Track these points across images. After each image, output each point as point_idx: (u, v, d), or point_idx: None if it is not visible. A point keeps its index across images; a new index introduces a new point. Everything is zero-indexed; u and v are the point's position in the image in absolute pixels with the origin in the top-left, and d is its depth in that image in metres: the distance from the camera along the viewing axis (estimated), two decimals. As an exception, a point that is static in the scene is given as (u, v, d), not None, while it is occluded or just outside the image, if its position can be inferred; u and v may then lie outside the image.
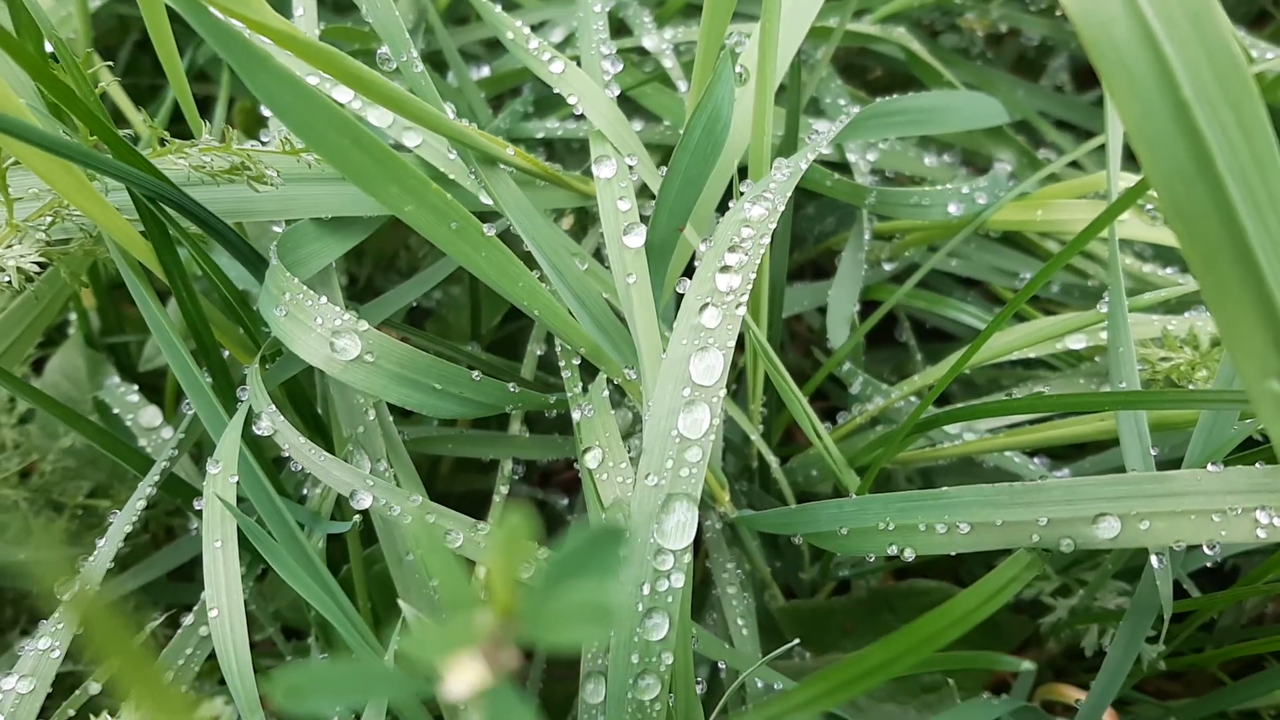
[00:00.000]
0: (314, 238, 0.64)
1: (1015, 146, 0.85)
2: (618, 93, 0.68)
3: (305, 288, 0.56)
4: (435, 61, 0.88)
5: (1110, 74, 0.33)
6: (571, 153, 0.91)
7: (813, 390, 0.78)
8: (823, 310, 0.82)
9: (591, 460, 0.60)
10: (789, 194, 0.58)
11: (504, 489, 0.73)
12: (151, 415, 0.78)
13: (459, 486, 0.93)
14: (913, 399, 0.76)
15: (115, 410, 0.78)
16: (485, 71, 0.89)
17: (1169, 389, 0.57)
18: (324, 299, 0.56)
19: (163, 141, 0.57)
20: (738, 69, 0.60)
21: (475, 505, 0.76)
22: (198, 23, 0.42)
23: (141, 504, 0.61)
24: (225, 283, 0.59)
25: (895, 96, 0.73)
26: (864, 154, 0.82)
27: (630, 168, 0.65)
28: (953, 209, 0.72)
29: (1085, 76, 0.92)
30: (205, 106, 1.01)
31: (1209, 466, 0.48)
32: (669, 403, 0.51)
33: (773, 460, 0.75)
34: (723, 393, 0.51)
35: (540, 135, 0.83)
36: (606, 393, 0.63)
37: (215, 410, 0.59)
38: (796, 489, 0.79)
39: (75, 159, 0.47)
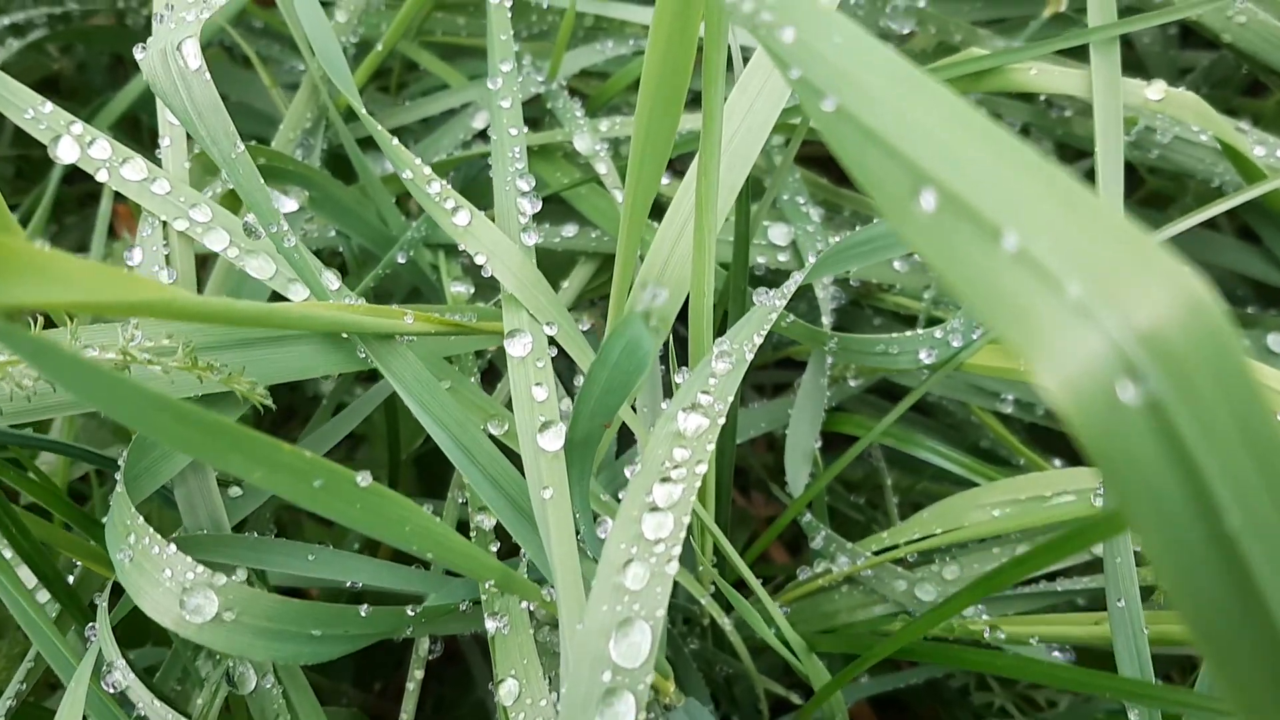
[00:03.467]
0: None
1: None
2: (534, 241, 0.59)
3: (151, 530, 0.47)
4: (342, 154, 0.78)
5: (1129, 499, 0.24)
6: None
7: (764, 548, 0.69)
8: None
9: (506, 695, 0.51)
10: (733, 395, 0.49)
11: (419, 673, 0.64)
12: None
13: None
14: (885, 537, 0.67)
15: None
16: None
17: (1171, 688, 0.49)
18: (173, 547, 0.47)
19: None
20: (642, 314, 0.50)
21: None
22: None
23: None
24: (60, 505, 0.50)
25: (859, 229, 0.63)
26: (826, 261, 0.73)
27: (551, 339, 0.56)
28: (924, 356, 0.63)
29: (1069, 154, 0.83)
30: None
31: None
32: (584, 689, 0.43)
33: (726, 623, 0.66)
34: (650, 677, 0.43)
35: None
36: (526, 604, 0.55)
37: (61, 655, 0.50)
38: (751, 644, 0.71)
39: None
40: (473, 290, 0.73)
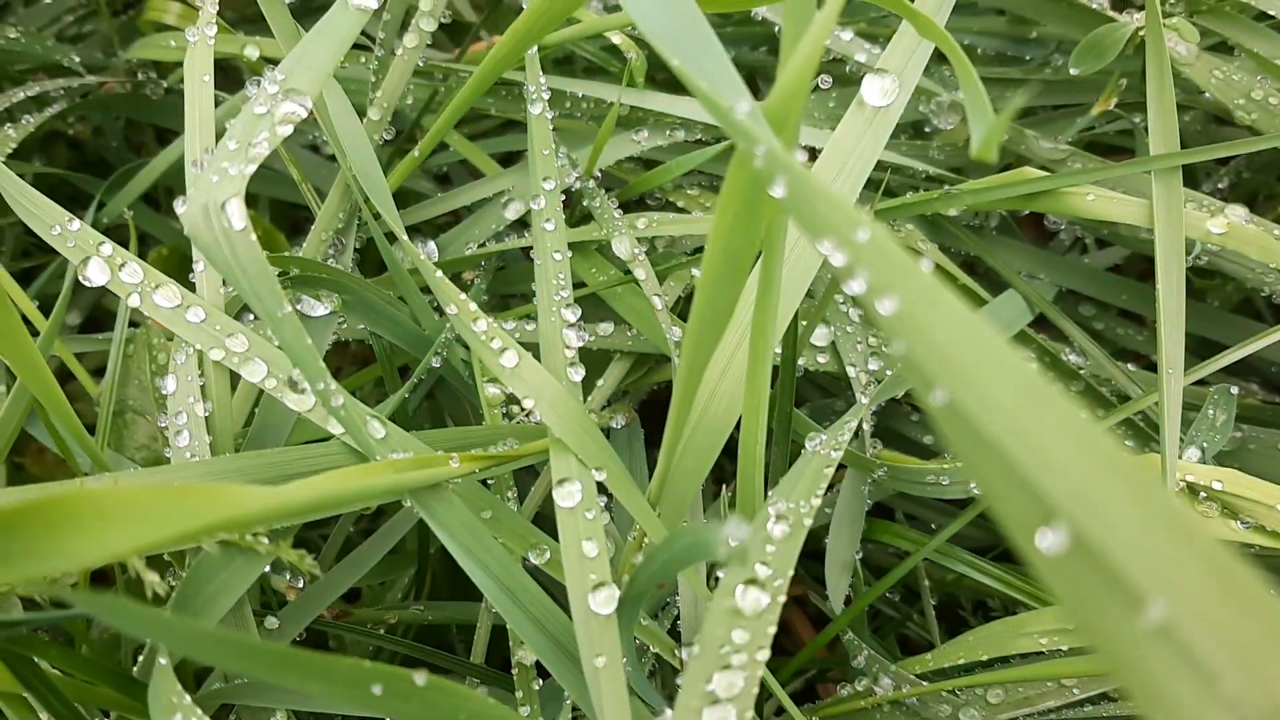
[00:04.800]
0: (223, 564, 0.54)
1: (1036, 346, 0.74)
2: (581, 376, 0.58)
3: (198, 711, 0.46)
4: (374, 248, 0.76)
5: None
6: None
7: (800, 664, 0.68)
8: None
9: None
10: (791, 570, 0.48)
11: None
12: None
13: None
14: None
15: None
16: (431, 248, 0.77)
17: None
18: (222, 732, 0.45)
19: None
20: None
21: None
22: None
23: None
24: (99, 673, 0.49)
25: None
26: (865, 363, 0.72)
27: (600, 484, 0.54)
28: (975, 487, 0.61)
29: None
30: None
31: None
32: None
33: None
34: None
35: (509, 329, 0.71)
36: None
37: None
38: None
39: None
40: (508, 390, 0.71)
